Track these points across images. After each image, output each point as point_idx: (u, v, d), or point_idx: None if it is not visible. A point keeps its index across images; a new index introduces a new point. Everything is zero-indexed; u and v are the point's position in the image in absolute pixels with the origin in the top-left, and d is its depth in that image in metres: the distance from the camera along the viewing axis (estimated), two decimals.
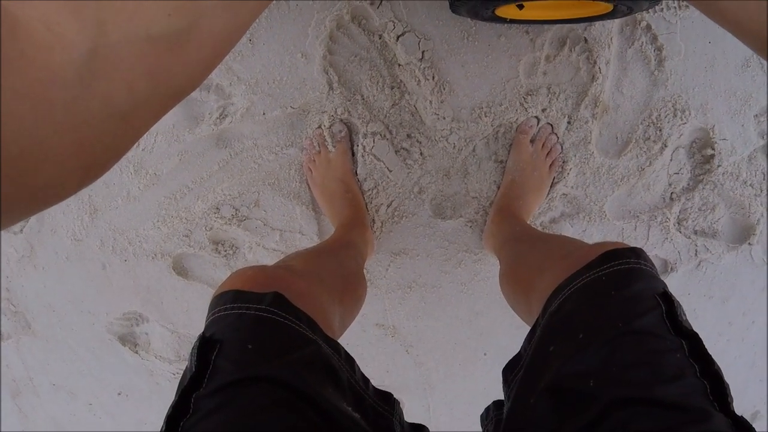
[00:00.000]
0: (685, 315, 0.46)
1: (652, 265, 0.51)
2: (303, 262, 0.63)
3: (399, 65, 0.87)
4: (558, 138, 0.94)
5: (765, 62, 0.99)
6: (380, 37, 0.86)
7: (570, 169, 0.97)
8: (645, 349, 0.41)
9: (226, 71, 0.89)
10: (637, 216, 1.02)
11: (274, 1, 0.88)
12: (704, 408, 0.36)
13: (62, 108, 0.20)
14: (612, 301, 0.45)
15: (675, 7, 0.95)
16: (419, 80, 0.87)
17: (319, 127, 0.90)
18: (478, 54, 0.87)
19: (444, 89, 0.87)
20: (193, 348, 0.44)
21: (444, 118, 0.88)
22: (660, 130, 0.94)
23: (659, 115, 0.93)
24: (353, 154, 0.94)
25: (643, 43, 0.92)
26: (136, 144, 1.00)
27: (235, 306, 0.46)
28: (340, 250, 0.78)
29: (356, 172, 0.96)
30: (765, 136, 1.01)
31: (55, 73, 0.20)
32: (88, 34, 0.21)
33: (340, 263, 0.71)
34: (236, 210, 0.99)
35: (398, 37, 0.86)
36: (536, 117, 0.93)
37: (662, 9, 0.94)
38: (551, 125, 0.93)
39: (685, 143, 0.97)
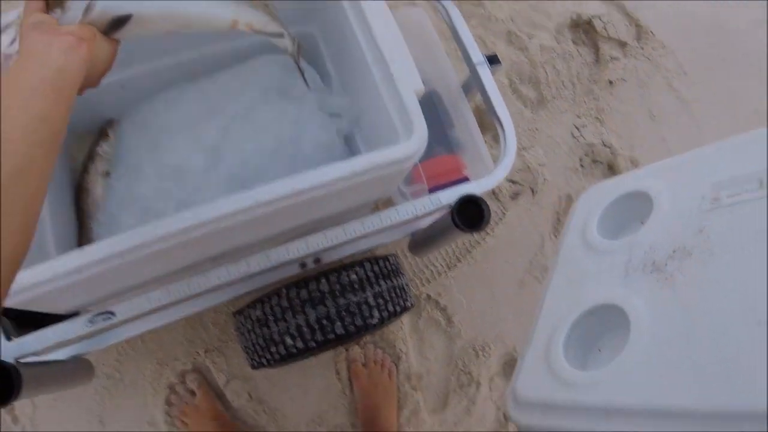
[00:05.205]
0: None
1: None
2: None
3: (235, 409, 1.00)
4: (383, 350, 1.06)
5: (538, 274, 1.23)
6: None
7: None
8: None
9: None
10: None
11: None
12: None
13: None
14: None
15: (445, 271, 1.18)
16: (254, 418, 0.99)
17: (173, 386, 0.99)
18: (296, 377, 1.02)
19: (277, 417, 1.00)
20: None
21: None
22: (470, 374, 1.11)
23: (464, 362, 1.12)
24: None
25: (429, 310, 1.14)
26: None
27: None
28: None
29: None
30: None
31: None
32: None
33: None
34: None
35: (224, 386, 1.00)
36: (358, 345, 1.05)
37: (435, 278, 1.17)
38: (373, 344, 1.06)
39: (498, 370, 1.15)
